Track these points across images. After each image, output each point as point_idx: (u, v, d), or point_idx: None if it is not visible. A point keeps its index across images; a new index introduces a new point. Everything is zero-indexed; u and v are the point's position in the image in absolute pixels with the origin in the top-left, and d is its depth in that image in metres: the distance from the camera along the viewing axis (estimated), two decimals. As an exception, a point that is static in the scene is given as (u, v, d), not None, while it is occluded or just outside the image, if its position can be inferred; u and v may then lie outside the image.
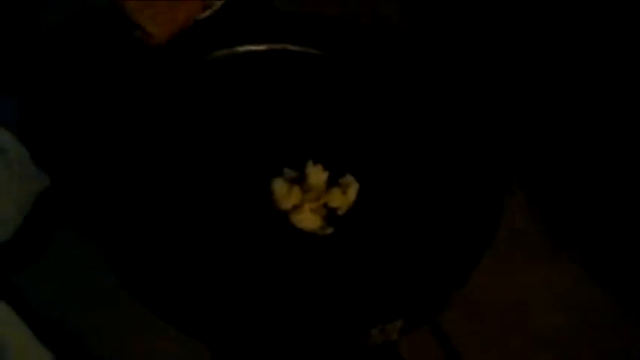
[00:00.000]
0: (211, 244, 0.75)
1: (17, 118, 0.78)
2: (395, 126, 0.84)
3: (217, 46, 0.87)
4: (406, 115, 0.85)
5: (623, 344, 0.76)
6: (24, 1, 0.87)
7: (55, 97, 0.83)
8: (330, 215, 0.78)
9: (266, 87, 0.86)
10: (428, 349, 0.74)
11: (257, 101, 0.85)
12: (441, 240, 0.76)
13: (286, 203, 0.78)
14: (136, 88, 0.83)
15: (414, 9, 0.96)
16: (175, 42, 0.87)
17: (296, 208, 0.78)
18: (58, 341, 0.69)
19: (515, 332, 0.76)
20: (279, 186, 0.78)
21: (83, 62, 0.85)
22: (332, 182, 0.79)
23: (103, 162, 0.77)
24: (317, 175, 0.79)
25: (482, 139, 0.82)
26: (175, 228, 0.76)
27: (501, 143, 0.83)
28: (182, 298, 0.71)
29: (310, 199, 0.78)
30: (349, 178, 0.79)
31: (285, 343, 0.71)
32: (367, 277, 0.75)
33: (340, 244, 0.77)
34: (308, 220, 0.77)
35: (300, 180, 0.79)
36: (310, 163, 0.79)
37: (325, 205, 0.78)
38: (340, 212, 0.79)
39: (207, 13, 0.89)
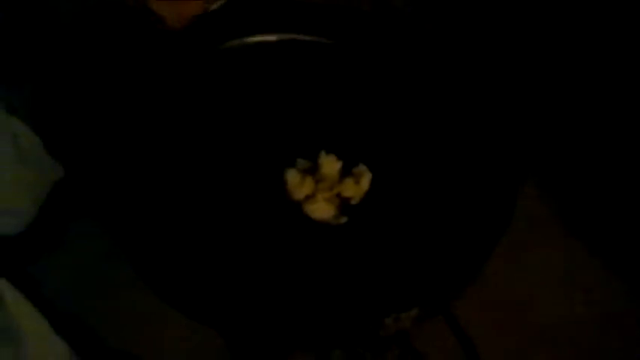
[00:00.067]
0: (226, 234, 0.76)
1: (31, 109, 0.78)
2: (407, 115, 0.84)
3: (228, 37, 0.87)
4: (418, 104, 0.84)
5: (633, 331, 0.76)
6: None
7: (68, 87, 0.83)
8: (343, 205, 0.78)
9: (278, 77, 0.86)
10: (441, 338, 0.74)
11: (269, 92, 0.85)
12: (454, 228, 0.76)
13: (299, 193, 0.78)
14: (149, 78, 0.83)
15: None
16: (187, 33, 0.87)
17: (309, 198, 0.78)
18: (72, 331, 0.69)
19: (528, 320, 0.76)
20: (292, 176, 0.78)
21: (96, 52, 0.85)
22: (345, 172, 0.79)
23: (117, 152, 0.77)
24: (330, 164, 0.79)
25: (495, 127, 0.82)
26: (190, 218, 0.76)
27: (514, 132, 0.83)
28: (197, 288, 0.71)
29: (323, 189, 0.78)
30: (362, 168, 0.79)
31: (300, 331, 0.71)
32: (381, 266, 0.75)
33: (354, 234, 0.77)
34: (321, 209, 0.77)
35: (313, 170, 0.79)
36: (323, 153, 0.79)
37: (338, 195, 0.78)
38: (353, 202, 0.79)
39: (218, 4, 0.89)
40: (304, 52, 0.87)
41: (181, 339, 0.73)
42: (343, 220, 0.77)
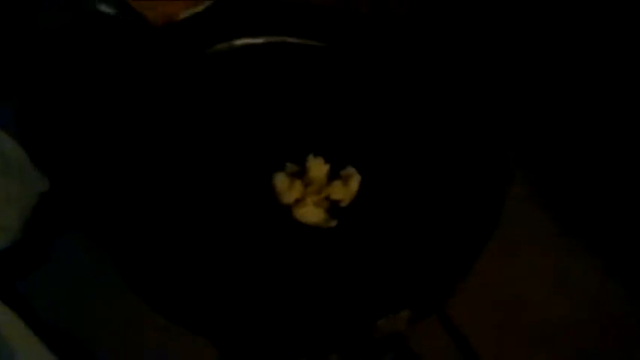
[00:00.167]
0: (215, 241, 0.75)
1: (16, 122, 0.78)
2: (395, 116, 0.84)
3: (215, 41, 0.87)
4: (406, 105, 0.84)
5: (632, 332, 0.76)
6: (19, 5, 0.87)
7: (53, 99, 0.83)
8: (333, 208, 0.78)
9: (265, 80, 0.86)
10: (437, 339, 0.74)
11: (256, 95, 0.84)
12: (444, 228, 0.76)
13: (288, 197, 0.77)
14: (134, 85, 0.82)
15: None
16: (172, 37, 0.86)
17: (298, 202, 0.77)
18: (63, 346, 0.69)
19: (524, 320, 0.76)
20: (280, 180, 0.78)
21: (79, 63, 0.85)
22: (333, 175, 0.79)
23: (102, 161, 0.77)
24: (318, 167, 0.79)
25: (484, 127, 0.82)
26: (178, 226, 0.75)
27: (503, 131, 0.83)
28: (188, 296, 0.71)
29: (312, 193, 0.78)
30: (350, 170, 0.79)
31: (292, 337, 0.71)
32: (372, 268, 0.74)
33: (344, 236, 0.76)
34: (311, 213, 0.77)
35: (301, 174, 0.79)
36: (311, 157, 0.79)
37: (327, 198, 0.78)
38: (343, 204, 0.78)
39: (204, 6, 0.89)
40: (292, 54, 0.87)
41: (176, 351, 0.72)
42: (333, 223, 0.77)
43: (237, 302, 0.72)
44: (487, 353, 0.73)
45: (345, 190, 0.78)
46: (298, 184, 0.78)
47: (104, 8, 0.87)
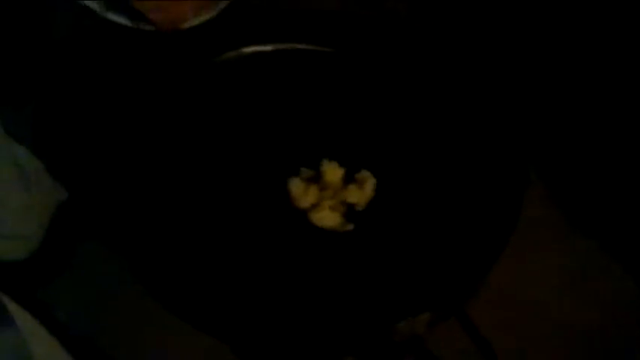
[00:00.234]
0: (233, 247, 0.75)
1: (31, 133, 0.78)
2: (409, 119, 0.84)
3: (224, 49, 0.87)
4: (420, 108, 0.85)
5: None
6: (33, 16, 0.88)
7: (67, 109, 0.83)
8: (349, 212, 0.78)
9: (276, 87, 0.86)
10: (455, 341, 0.74)
11: (268, 102, 0.85)
12: (462, 231, 0.76)
13: (304, 202, 0.78)
14: (149, 95, 0.83)
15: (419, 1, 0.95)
16: (182, 46, 0.87)
17: (314, 206, 0.78)
18: (83, 353, 0.69)
19: (539, 321, 0.76)
20: (296, 186, 0.78)
21: (93, 73, 0.85)
22: (348, 179, 0.79)
23: (118, 170, 0.77)
24: (333, 172, 0.79)
25: (498, 128, 0.82)
26: (196, 233, 0.76)
27: (518, 132, 0.83)
28: (207, 301, 0.71)
29: (328, 197, 0.78)
30: (365, 174, 0.79)
31: (311, 340, 0.71)
32: (391, 271, 0.75)
33: (362, 240, 0.77)
34: (327, 217, 0.77)
35: (316, 178, 0.79)
36: (325, 161, 0.79)
37: (343, 202, 0.78)
38: (359, 208, 0.78)
39: (212, 14, 0.89)
40: (301, 60, 0.87)
41: (197, 356, 0.72)
42: (350, 227, 0.77)
43: (257, 306, 0.72)
44: (505, 355, 0.73)
45: (360, 194, 0.78)
46: (314, 189, 0.78)
47: (112, 16, 0.88)
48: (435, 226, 0.77)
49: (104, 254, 0.74)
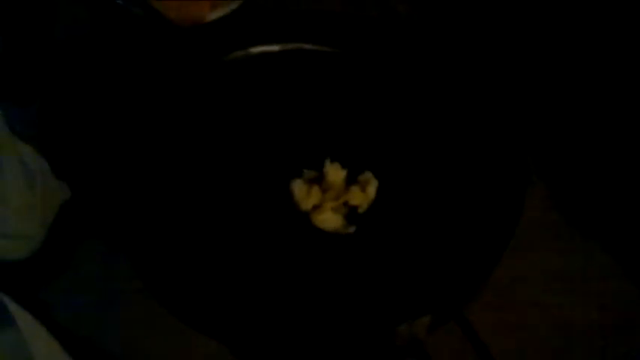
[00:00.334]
0: (235, 248, 0.76)
1: (36, 132, 0.79)
2: (412, 121, 0.84)
3: (231, 48, 0.87)
4: (423, 110, 0.84)
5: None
6: (38, 14, 0.88)
7: (72, 108, 0.83)
8: (351, 213, 0.78)
9: (281, 87, 0.86)
10: (455, 344, 0.73)
11: (273, 102, 0.85)
12: (463, 233, 0.76)
13: (307, 204, 0.78)
14: (153, 93, 0.83)
15: (424, 1, 0.95)
16: (189, 45, 0.87)
17: (316, 208, 0.78)
18: (84, 353, 0.69)
19: (539, 323, 0.75)
20: (298, 187, 0.78)
21: (99, 71, 0.86)
22: (351, 180, 0.79)
23: (122, 169, 0.78)
24: (335, 173, 0.79)
25: (500, 131, 0.82)
26: (198, 234, 0.76)
27: (520, 134, 0.83)
28: (208, 303, 0.71)
29: (330, 199, 0.78)
30: (368, 175, 0.79)
31: (312, 343, 0.71)
32: (392, 274, 0.75)
33: (363, 242, 0.77)
34: (329, 219, 0.77)
35: (319, 180, 0.79)
36: (328, 162, 0.79)
37: (346, 204, 0.78)
38: (361, 210, 0.78)
39: (221, 14, 0.89)
40: (307, 61, 0.87)
41: (198, 358, 0.73)
42: (352, 229, 0.77)
43: (257, 308, 0.72)
44: (505, 356, 0.73)
45: (363, 196, 0.78)
46: (316, 190, 0.78)
47: (134, 10, 0.88)
48: (436, 230, 0.77)
49: (105, 254, 0.75)
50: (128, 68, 0.85)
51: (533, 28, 0.92)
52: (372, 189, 0.78)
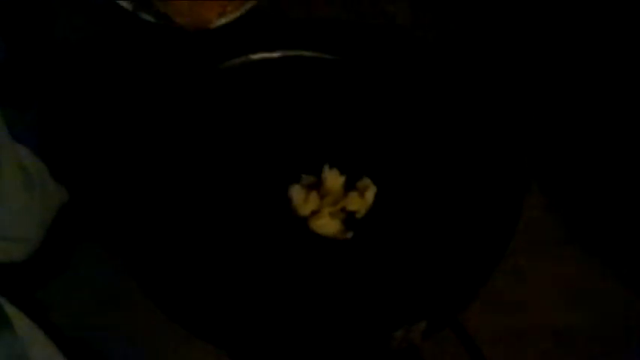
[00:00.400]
0: (232, 253, 0.76)
1: (35, 135, 0.79)
2: (410, 127, 0.84)
3: (231, 55, 0.88)
4: (421, 117, 0.84)
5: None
6: (37, 18, 0.88)
7: (71, 112, 0.84)
8: (348, 219, 0.78)
9: (280, 93, 0.86)
10: (450, 350, 0.74)
11: (272, 108, 0.85)
12: (461, 239, 0.76)
13: (305, 209, 0.78)
14: (152, 98, 0.83)
15: (422, 8, 0.95)
16: (189, 52, 0.87)
17: (315, 213, 0.78)
18: (80, 355, 0.69)
19: (534, 329, 0.76)
20: (296, 192, 0.78)
21: (99, 75, 0.86)
22: (349, 186, 0.79)
23: (121, 173, 0.78)
24: (333, 179, 0.79)
25: (499, 140, 0.82)
26: (196, 238, 0.76)
27: (519, 142, 0.83)
28: (205, 307, 0.72)
29: (328, 204, 0.78)
30: (366, 181, 0.79)
31: (309, 347, 0.71)
32: (389, 280, 0.75)
33: (360, 248, 0.77)
34: (327, 225, 0.77)
35: (317, 185, 0.79)
36: (326, 168, 0.80)
37: (343, 210, 0.78)
38: (359, 215, 0.79)
39: (228, 20, 0.89)
40: (306, 68, 0.87)
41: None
42: (349, 234, 0.77)
43: (254, 312, 0.72)
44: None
45: (361, 202, 0.78)
46: (314, 196, 0.78)
47: (143, 15, 0.88)
48: (433, 236, 0.77)
49: (102, 257, 0.75)
50: (127, 73, 0.86)
51: (534, 34, 0.92)
52: (370, 195, 0.79)
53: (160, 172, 0.80)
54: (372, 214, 0.79)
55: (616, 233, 0.81)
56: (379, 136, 0.83)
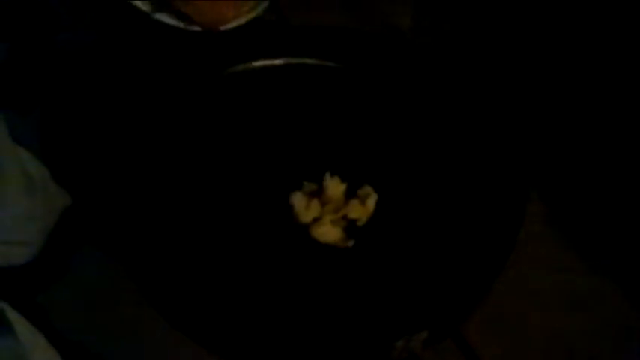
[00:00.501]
0: (234, 260, 0.76)
1: (37, 139, 0.79)
2: (412, 136, 0.84)
3: (234, 62, 0.88)
4: (423, 125, 0.85)
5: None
6: (39, 21, 0.88)
7: (73, 116, 0.84)
8: (350, 227, 0.78)
9: (283, 100, 0.86)
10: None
11: (274, 115, 0.85)
12: (462, 248, 0.76)
13: (306, 217, 0.78)
14: (154, 103, 0.83)
15: (425, 16, 0.95)
16: (193, 58, 0.87)
17: (316, 221, 0.78)
18: (80, 359, 0.69)
19: (534, 340, 0.76)
20: (298, 200, 0.78)
21: (101, 79, 0.86)
22: (350, 194, 0.79)
23: (123, 177, 0.78)
24: (335, 187, 0.79)
25: (501, 149, 0.82)
26: (197, 244, 0.76)
27: (520, 151, 0.83)
28: (205, 314, 0.71)
29: (330, 212, 0.78)
30: (367, 189, 0.79)
31: (310, 356, 0.71)
32: (390, 288, 0.75)
33: (362, 256, 0.77)
34: (329, 232, 0.77)
35: (318, 193, 0.79)
36: (328, 176, 0.80)
37: (345, 217, 0.78)
38: (360, 223, 0.79)
39: (242, 21, 0.89)
40: (309, 75, 0.88)
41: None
42: (350, 242, 0.77)
43: (255, 320, 0.72)
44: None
45: (362, 210, 0.78)
46: (316, 204, 0.78)
47: (160, 17, 0.88)
48: (434, 245, 0.77)
49: (103, 261, 0.75)
50: (130, 78, 0.86)
51: (536, 42, 0.93)
52: (371, 203, 0.79)
53: (162, 177, 0.80)
54: (374, 222, 0.78)
55: (622, 245, 0.81)
56: (381, 143, 0.84)
